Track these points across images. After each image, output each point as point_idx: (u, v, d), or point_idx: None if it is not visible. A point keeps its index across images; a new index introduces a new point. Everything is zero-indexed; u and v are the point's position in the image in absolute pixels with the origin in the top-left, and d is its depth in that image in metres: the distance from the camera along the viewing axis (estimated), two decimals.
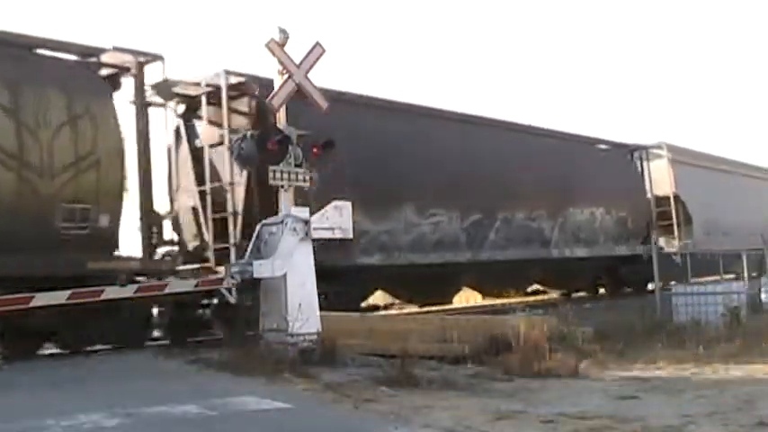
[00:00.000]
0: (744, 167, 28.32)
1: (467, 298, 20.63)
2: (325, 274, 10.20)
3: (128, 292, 9.47)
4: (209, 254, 12.58)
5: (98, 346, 10.91)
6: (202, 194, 12.91)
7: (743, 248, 18.80)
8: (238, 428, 6.00)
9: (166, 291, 10.04)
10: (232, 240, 12.36)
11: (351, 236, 10.39)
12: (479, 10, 62.83)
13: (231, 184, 12.55)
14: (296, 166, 9.92)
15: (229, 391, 7.34)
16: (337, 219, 10.05)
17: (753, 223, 24.13)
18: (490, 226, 16.95)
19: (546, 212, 18.53)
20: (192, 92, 13.06)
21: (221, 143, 12.62)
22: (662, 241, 21.01)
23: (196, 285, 10.23)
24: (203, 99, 12.99)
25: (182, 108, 13.43)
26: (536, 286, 22.49)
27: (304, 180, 9.99)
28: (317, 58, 10.19)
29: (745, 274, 15.50)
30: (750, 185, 27.58)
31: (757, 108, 71.80)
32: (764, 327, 11.32)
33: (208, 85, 12.81)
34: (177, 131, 13.44)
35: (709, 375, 8.75)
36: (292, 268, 9.48)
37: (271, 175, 9.74)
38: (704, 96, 69.76)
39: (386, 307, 19.17)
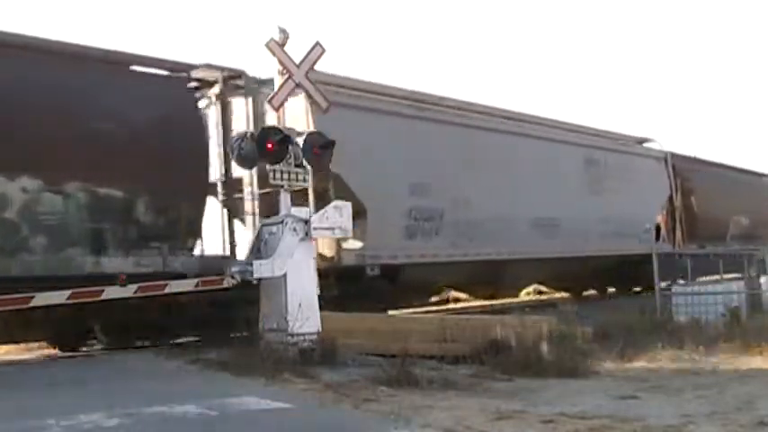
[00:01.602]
0: (512, 122, 17.09)
1: None
2: None
3: (128, 292, 9.45)
4: None
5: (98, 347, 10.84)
6: None
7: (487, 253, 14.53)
8: (238, 428, 6.00)
9: (166, 291, 10.03)
10: None
11: (351, 235, 10.36)
12: None
13: None
14: (296, 166, 9.92)
15: (229, 391, 7.34)
16: (337, 218, 10.04)
17: (531, 214, 16.73)
18: None
19: None
20: None
21: None
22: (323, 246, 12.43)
23: (196, 285, 10.22)
24: None
25: None
26: None
27: (304, 180, 9.98)
28: (317, 58, 10.20)
29: None
30: (533, 150, 17.12)
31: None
32: (765, 327, 11.35)
33: None
34: None
35: (708, 375, 8.76)
36: (292, 268, 9.48)
37: (271, 175, 9.74)
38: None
39: None
